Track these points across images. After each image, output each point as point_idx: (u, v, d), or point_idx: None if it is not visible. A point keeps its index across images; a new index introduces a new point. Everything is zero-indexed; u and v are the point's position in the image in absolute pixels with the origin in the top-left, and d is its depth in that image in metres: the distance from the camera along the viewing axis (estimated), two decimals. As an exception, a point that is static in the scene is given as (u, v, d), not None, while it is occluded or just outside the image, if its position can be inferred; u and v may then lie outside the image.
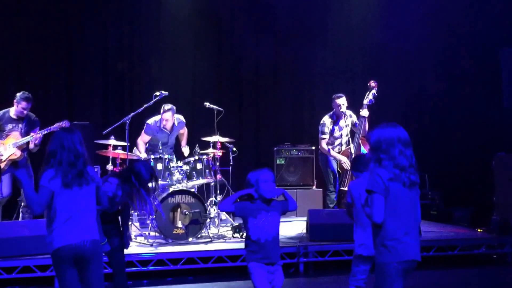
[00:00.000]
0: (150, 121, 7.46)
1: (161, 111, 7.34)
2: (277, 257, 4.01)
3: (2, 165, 6.69)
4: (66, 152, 3.65)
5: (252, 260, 3.96)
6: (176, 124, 7.54)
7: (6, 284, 5.65)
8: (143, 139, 7.46)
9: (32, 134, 6.76)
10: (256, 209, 3.96)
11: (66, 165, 3.62)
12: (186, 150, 7.60)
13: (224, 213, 7.36)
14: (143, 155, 7.20)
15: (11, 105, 6.90)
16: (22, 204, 6.82)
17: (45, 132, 6.70)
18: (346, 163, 7.25)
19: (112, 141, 6.85)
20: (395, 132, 3.41)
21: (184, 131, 7.74)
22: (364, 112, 7.28)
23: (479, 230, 7.40)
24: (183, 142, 7.72)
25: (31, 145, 6.78)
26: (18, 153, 6.72)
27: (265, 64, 10.06)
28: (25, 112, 6.81)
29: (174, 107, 7.41)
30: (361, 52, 10.30)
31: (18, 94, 6.81)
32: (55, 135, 3.79)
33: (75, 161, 3.65)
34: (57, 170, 3.61)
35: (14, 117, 6.82)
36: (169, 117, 7.35)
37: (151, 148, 7.50)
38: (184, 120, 7.69)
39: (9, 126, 6.80)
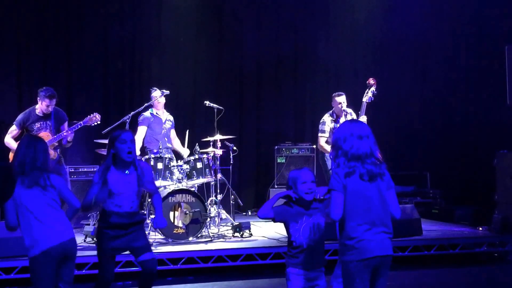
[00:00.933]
0: (146, 113, 7.42)
1: (155, 96, 7.34)
2: (320, 262, 3.78)
3: None
4: (21, 155, 3.74)
5: (292, 266, 3.76)
6: (168, 116, 7.56)
7: (5, 284, 5.63)
8: (139, 133, 7.38)
9: (63, 132, 6.52)
10: (297, 213, 3.75)
11: (18, 167, 3.71)
12: (186, 151, 7.52)
13: (224, 212, 7.33)
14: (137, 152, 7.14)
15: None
16: None
17: (76, 128, 6.49)
18: None
19: (112, 140, 6.80)
20: (349, 128, 3.49)
21: (175, 136, 7.69)
22: (363, 119, 7.22)
23: (480, 229, 7.36)
24: (179, 145, 7.66)
25: (64, 141, 6.57)
26: (52, 152, 6.43)
27: (266, 62, 10.02)
28: (49, 109, 6.54)
29: None
30: (364, 50, 10.27)
31: (40, 91, 6.53)
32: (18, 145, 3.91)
33: (29, 161, 3.72)
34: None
35: (40, 114, 6.56)
36: (163, 100, 7.41)
37: (150, 147, 7.45)
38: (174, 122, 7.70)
39: (37, 125, 6.53)
